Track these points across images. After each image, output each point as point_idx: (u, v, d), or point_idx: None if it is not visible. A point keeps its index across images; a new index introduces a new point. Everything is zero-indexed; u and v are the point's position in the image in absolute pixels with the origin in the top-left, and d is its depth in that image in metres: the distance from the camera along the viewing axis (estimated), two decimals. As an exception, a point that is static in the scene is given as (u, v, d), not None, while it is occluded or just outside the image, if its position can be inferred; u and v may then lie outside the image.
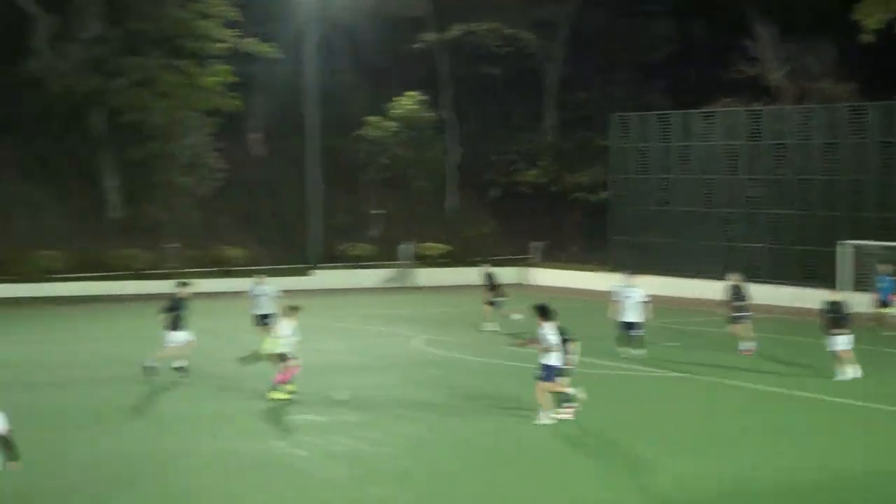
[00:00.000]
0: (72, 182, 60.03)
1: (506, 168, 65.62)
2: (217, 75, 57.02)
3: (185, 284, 28.23)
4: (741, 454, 19.41)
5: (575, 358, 22.80)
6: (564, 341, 22.15)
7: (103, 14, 58.25)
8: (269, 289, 31.83)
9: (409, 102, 62.98)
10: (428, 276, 57.40)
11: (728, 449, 19.97)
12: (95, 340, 35.11)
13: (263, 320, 30.14)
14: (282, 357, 24.47)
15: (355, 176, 64.39)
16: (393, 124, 62.58)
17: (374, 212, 64.12)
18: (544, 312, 22.00)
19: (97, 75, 56.42)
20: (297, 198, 60.59)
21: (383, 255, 60.29)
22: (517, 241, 63.84)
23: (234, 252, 56.04)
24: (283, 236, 60.82)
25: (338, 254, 59.27)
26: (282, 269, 56.03)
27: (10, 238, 54.35)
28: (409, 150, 62.57)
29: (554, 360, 21.67)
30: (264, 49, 59.56)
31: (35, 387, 26.18)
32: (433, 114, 64.00)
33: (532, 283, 58.00)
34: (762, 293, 40.13)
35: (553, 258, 61.70)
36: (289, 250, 59.72)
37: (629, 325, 31.41)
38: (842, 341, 27.35)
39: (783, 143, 49.96)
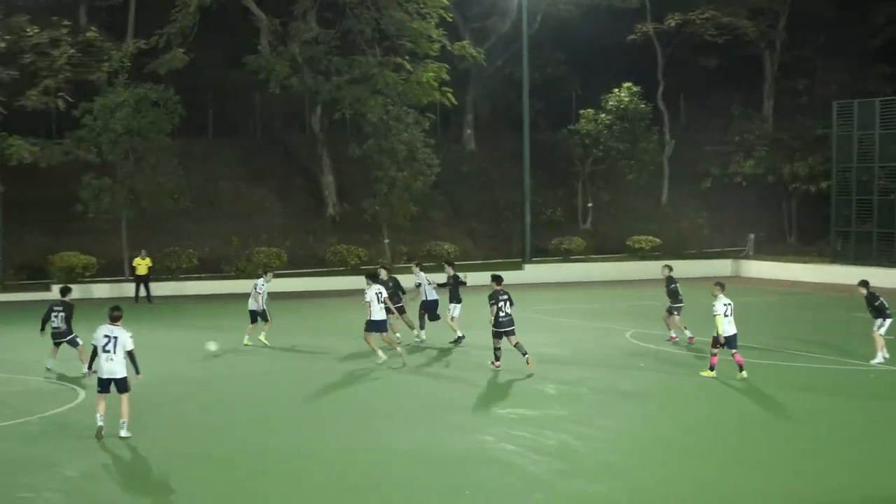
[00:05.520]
0: (292, 179, 61.67)
1: (721, 159, 64.49)
2: (433, 72, 57.70)
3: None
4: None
5: None
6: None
7: (321, 16, 59.71)
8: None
9: (623, 94, 62.48)
10: (640, 269, 56.83)
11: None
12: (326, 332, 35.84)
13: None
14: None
15: (569, 169, 64.34)
16: (607, 116, 62.21)
17: (588, 205, 64.00)
18: None
19: (315, 74, 57.88)
20: (510, 192, 60.88)
21: (594, 249, 60.12)
22: (731, 232, 62.86)
23: (447, 247, 56.59)
24: (495, 231, 61.20)
25: (550, 248, 59.26)
26: (493, 263, 56.39)
27: (231, 236, 56.15)
28: (623, 142, 62.09)
29: None
30: (472, 53, 60.03)
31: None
32: (647, 105, 63.34)
33: (746, 275, 57.00)
34: None
35: (768, 250, 60.48)
36: (500, 244, 60.13)
37: None
38: None
39: None
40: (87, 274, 50.62)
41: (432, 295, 32.86)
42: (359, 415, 22.40)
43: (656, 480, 17.28)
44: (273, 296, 34.26)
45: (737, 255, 60.10)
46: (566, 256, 58.93)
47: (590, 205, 64.12)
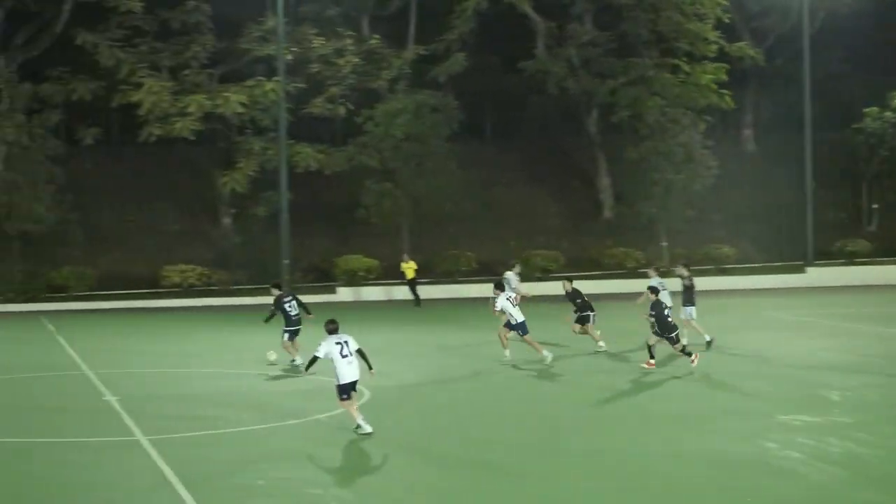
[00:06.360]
0: (567, 182, 61.94)
1: None
2: (711, 73, 57.07)
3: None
4: None
5: None
6: None
7: (597, 19, 59.93)
8: None
9: (910, 90, 60.23)
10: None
11: None
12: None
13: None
14: None
15: (852, 169, 62.34)
16: (893, 114, 60.04)
17: (873, 206, 61.91)
18: None
19: (591, 76, 58.06)
20: (791, 194, 59.40)
21: (881, 252, 58.06)
22: None
23: (725, 250, 55.66)
24: (775, 233, 59.79)
25: (833, 250, 57.56)
26: (775, 266, 55.13)
27: (507, 239, 56.74)
28: (911, 140, 59.82)
29: None
30: (750, 53, 58.99)
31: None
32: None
33: None
34: None
35: None
36: (782, 247, 58.70)
37: None
38: None
39: None
40: (371, 276, 52.15)
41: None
42: (640, 418, 22.28)
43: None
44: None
45: None
46: (850, 259, 57.12)
47: (875, 206, 61.95)
